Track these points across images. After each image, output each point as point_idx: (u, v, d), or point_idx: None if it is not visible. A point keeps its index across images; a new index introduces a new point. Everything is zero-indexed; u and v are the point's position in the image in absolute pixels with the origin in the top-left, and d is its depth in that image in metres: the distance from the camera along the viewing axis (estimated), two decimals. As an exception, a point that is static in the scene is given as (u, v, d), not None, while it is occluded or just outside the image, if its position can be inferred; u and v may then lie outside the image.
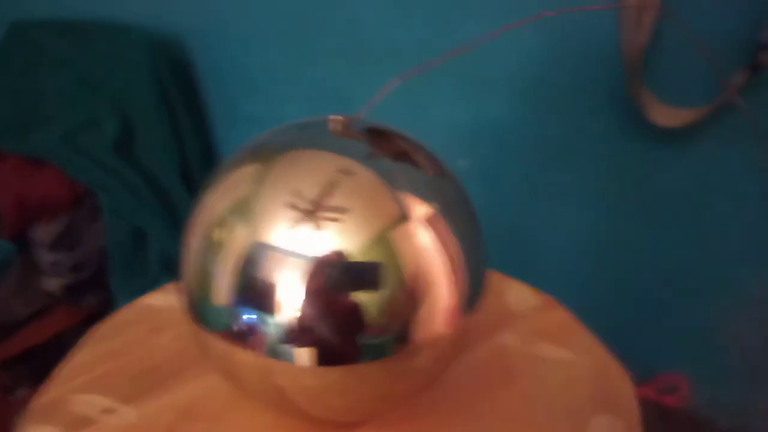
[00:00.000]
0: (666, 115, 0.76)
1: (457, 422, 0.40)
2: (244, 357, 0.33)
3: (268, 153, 0.35)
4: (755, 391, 0.83)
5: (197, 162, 1.34)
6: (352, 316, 0.32)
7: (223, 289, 0.33)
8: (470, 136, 0.94)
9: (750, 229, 0.77)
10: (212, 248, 0.33)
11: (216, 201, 0.35)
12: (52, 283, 1.32)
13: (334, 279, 0.32)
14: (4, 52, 1.37)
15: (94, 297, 1.36)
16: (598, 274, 0.92)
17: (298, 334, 0.32)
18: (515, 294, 0.52)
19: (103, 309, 1.33)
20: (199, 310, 0.34)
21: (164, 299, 0.50)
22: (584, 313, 0.51)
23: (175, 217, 1.29)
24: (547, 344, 0.46)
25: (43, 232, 1.29)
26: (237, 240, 0.33)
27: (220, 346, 0.33)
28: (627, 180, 0.84)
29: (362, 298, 0.32)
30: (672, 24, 0.73)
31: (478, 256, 0.36)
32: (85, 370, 0.43)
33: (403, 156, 0.36)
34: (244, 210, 0.33)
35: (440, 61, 0.35)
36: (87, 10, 1.32)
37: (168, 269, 1.30)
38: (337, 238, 0.32)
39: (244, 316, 0.32)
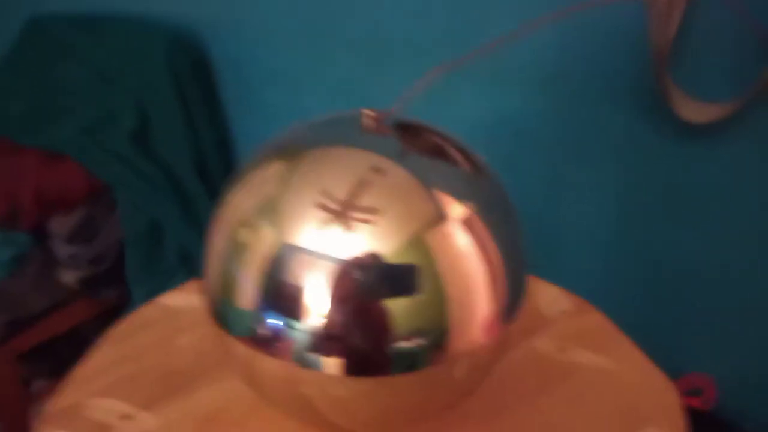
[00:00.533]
0: (695, 111, 0.73)
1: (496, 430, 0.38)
2: (268, 364, 0.31)
3: (295, 150, 0.33)
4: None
5: (214, 155, 1.34)
6: (385, 323, 0.30)
7: (248, 292, 0.31)
8: (488, 131, 0.92)
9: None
10: (237, 249, 0.32)
11: (241, 200, 0.33)
12: (70, 276, 1.32)
13: (365, 283, 0.30)
14: (22, 46, 1.37)
15: (112, 290, 1.36)
16: (620, 272, 0.90)
17: (327, 341, 0.30)
18: (546, 296, 0.50)
19: (121, 302, 1.33)
20: (223, 314, 0.32)
21: (184, 299, 0.48)
22: (606, 310, 0.49)
23: (191, 211, 1.28)
24: (584, 350, 0.44)
25: (61, 225, 1.29)
26: (263, 241, 0.31)
27: (243, 351, 0.32)
28: (649, 176, 0.82)
29: (395, 304, 0.30)
30: (701, 15, 0.70)
31: (518, 260, 0.34)
32: (102, 374, 0.41)
33: (437, 153, 0.34)
34: (270, 210, 0.31)
35: (480, 53, 0.33)
36: (104, 4, 1.32)
37: (185, 262, 1.29)
38: (368, 240, 0.30)
39: (270, 322, 0.31)
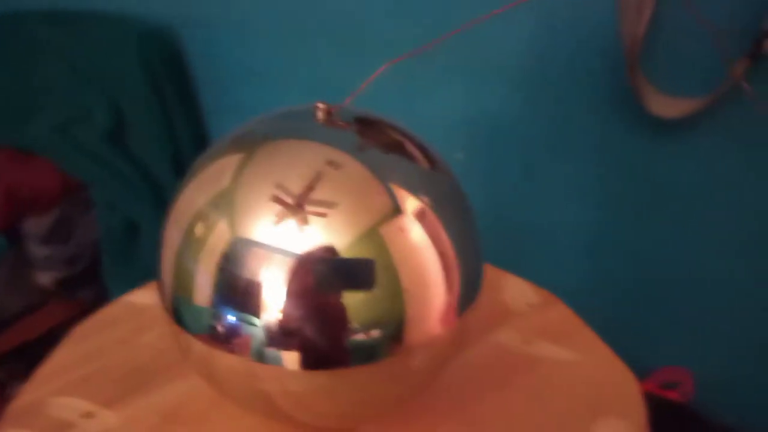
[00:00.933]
0: (664, 106, 0.74)
1: (455, 425, 0.38)
2: (226, 360, 0.31)
3: (250, 143, 0.33)
4: (759, 386, 0.82)
5: (190, 153, 1.32)
6: (342, 316, 0.30)
7: (203, 288, 0.31)
8: (465, 127, 0.92)
9: (751, 222, 0.75)
10: (191, 244, 0.31)
11: (195, 193, 0.32)
12: (45, 277, 1.31)
13: (321, 277, 0.30)
14: (-6, 42, 1.34)
15: (89, 291, 1.35)
16: (597, 267, 0.90)
17: (284, 336, 0.30)
18: (513, 290, 0.50)
19: (98, 303, 1.31)
20: (179, 311, 0.32)
21: (149, 296, 0.48)
22: (583, 306, 0.49)
23: (167, 209, 1.27)
24: (548, 343, 0.44)
25: (35, 226, 1.28)
26: (218, 235, 0.31)
27: (201, 348, 0.31)
28: (626, 172, 0.82)
29: (351, 297, 0.30)
30: (670, 12, 0.71)
31: (474, 252, 0.34)
32: (64, 372, 0.41)
33: (394, 147, 0.34)
34: (224, 203, 0.31)
35: (430, 46, 0.33)
36: (77, 0, 1.30)
37: (162, 262, 1.27)
38: (324, 233, 0.30)
39: (227, 318, 0.30)
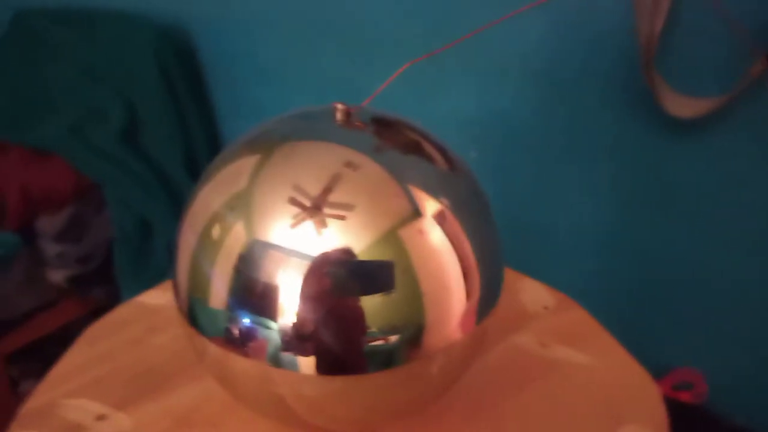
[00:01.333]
0: (680, 105, 0.73)
1: (473, 428, 0.38)
2: (242, 364, 0.30)
3: (267, 144, 0.33)
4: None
5: (203, 152, 1.33)
6: (359, 321, 0.29)
7: (219, 291, 0.30)
8: (478, 127, 0.92)
9: (764, 222, 0.74)
10: (208, 246, 0.31)
11: (212, 195, 0.32)
12: (58, 276, 1.31)
13: (339, 281, 0.29)
14: (8, 42, 1.36)
15: (101, 289, 1.36)
16: (611, 268, 0.90)
17: (301, 340, 0.29)
18: (529, 293, 0.49)
19: (110, 301, 1.32)
20: (195, 313, 0.32)
21: (162, 297, 0.48)
22: (596, 307, 0.49)
23: (180, 208, 1.27)
24: (565, 347, 0.43)
25: (49, 224, 1.28)
26: (234, 238, 0.30)
27: (216, 351, 0.31)
28: (640, 172, 0.81)
29: (369, 301, 0.29)
30: (687, 11, 0.70)
31: (494, 255, 0.34)
32: (77, 373, 0.41)
33: (412, 148, 0.33)
34: (241, 205, 0.31)
35: (448, 46, 0.32)
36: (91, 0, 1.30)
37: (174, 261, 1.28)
38: (342, 236, 0.29)
39: (243, 321, 0.30)
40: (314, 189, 0.30)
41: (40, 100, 1.31)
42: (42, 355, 1.56)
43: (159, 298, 0.48)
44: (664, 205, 0.81)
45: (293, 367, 0.30)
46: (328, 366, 0.30)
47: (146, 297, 0.48)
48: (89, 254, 1.31)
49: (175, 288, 0.33)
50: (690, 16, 0.70)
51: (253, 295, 0.30)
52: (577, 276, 0.90)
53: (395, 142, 0.33)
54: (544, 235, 0.94)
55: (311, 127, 0.34)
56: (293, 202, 0.30)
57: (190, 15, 1.25)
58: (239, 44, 1.21)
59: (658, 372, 0.84)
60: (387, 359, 0.30)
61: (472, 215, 0.32)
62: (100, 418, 0.37)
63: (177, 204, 1.26)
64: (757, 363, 0.81)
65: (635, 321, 0.88)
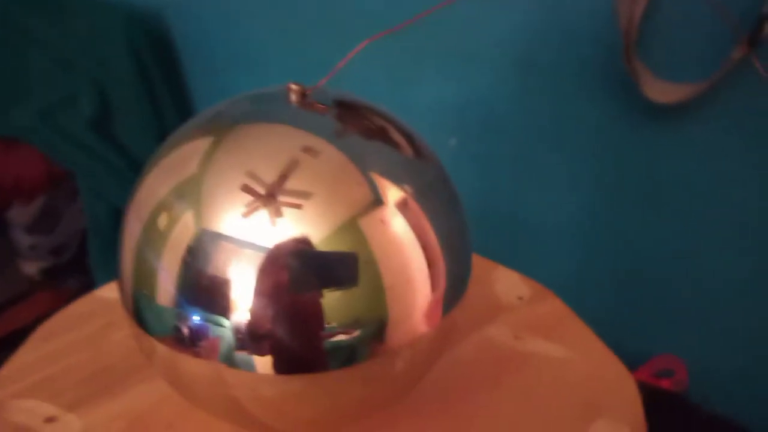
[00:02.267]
0: (661, 91, 0.72)
1: (443, 425, 0.36)
2: (193, 365, 0.29)
3: (219, 127, 0.30)
4: (752, 376, 0.81)
5: (178, 141, 1.30)
6: (318, 316, 0.27)
7: (167, 286, 0.28)
8: (457, 115, 0.90)
9: (748, 212, 0.74)
10: (154, 238, 0.29)
11: (158, 182, 0.30)
12: (32, 267, 1.29)
13: (296, 274, 0.27)
14: (-26, 26, 1.31)
15: (75, 281, 1.33)
16: (591, 257, 0.89)
17: (255, 338, 0.28)
18: (504, 283, 0.48)
19: (85, 292, 1.29)
20: (141, 311, 0.30)
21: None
22: (577, 296, 0.48)
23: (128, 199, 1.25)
24: (540, 339, 0.42)
25: (20, 215, 1.26)
26: (182, 228, 0.28)
27: (165, 352, 0.29)
28: (620, 160, 0.81)
29: (328, 295, 0.27)
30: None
31: (462, 246, 0.32)
32: (28, 373, 0.39)
33: (375, 133, 0.31)
34: (190, 193, 0.28)
35: (411, 21, 0.30)
36: (58, -19, 1.26)
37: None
38: (299, 226, 0.27)
39: (193, 318, 0.28)
40: (269, 175, 0.28)
41: (10, 88, 1.27)
42: (15, 349, 1.53)
43: (116, 292, 0.45)
44: (646, 195, 0.80)
45: (248, 366, 0.28)
46: (286, 365, 0.28)
47: (105, 290, 0.46)
48: (63, 245, 1.29)
49: (120, 284, 0.31)
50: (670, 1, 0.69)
51: (203, 290, 0.28)
52: (558, 267, 0.90)
53: (358, 126, 0.31)
54: (523, 226, 0.93)
55: (266, 110, 0.32)
56: (246, 189, 0.28)
57: (165, 1, 1.23)
58: (215, 29, 1.19)
59: (638, 359, 0.84)
60: (348, 356, 0.28)
61: (438, 203, 0.31)
62: (50, 420, 0.35)
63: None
64: (738, 352, 0.81)
65: (617, 312, 0.88)
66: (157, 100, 1.26)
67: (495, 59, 0.84)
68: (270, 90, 0.33)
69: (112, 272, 1.20)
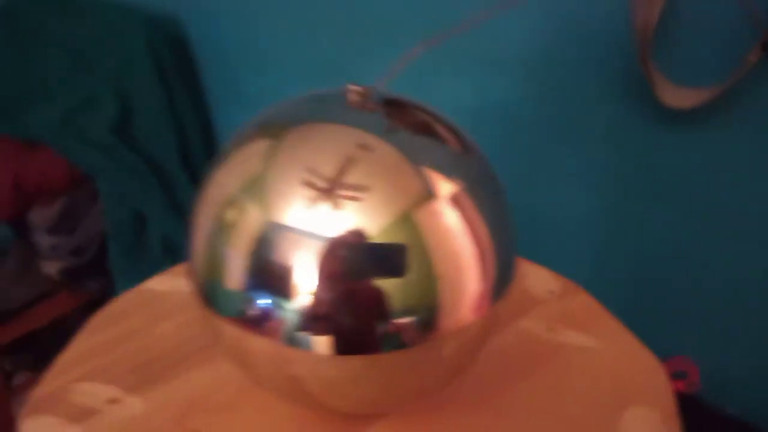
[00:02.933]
0: (676, 96, 0.74)
1: (482, 413, 0.38)
2: (258, 344, 0.31)
3: (279, 127, 0.33)
4: (765, 377, 0.82)
5: (197, 142, 1.32)
6: (374, 302, 0.30)
7: (235, 272, 0.30)
8: (473, 117, 0.92)
9: (763, 212, 0.75)
10: (223, 229, 0.31)
11: (226, 178, 0.32)
12: (52, 268, 1.30)
13: (354, 262, 0.29)
14: (-2, 31, 1.34)
15: (95, 281, 1.35)
16: (606, 257, 0.90)
17: (316, 320, 0.30)
18: (533, 278, 0.50)
19: (104, 293, 1.31)
20: (211, 295, 0.32)
21: (167, 284, 0.48)
22: (591, 294, 0.49)
23: (174, 200, 1.27)
24: (572, 331, 0.44)
25: (41, 216, 1.27)
26: (249, 220, 0.30)
27: (232, 332, 0.31)
28: (636, 162, 0.82)
29: (384, 282, 0.29)
30: (684, 1, 0.70)
31: (508, 238, 0.34)
32: (86, 359, 0.41)
33: (424, 130, 0.33)
34: (256, 188, 0.31)
35: (462, 29, 0.32)
36: (83, -12, 1.28)
37: (169, 252, 1.28)
38: (356, 217, 0.29)
39: (259, 302, 0.30)
40: (328, 171, 0.30)
41: (32, 91, 1.29)
42: (35, 348, 1.56)
43: (162, 284, 0.47)
44: (661, 194, 0.81)
45: (308, 346, 0.30)
46: (343, 346, 0.30)
47: (150, 284, 0.48)
48: (83, 246, 1.31)
49: (191, 270, 0.33)
50: (687, 4, 0.71)
51: (268, 276, 0.30)
52: (573, 265, 0.91)
53: (408, 123, 0.33)
54: (539, 225, 0.94)
55: (324, 110, 0.34)
56: (308, 184, 0.30)
57: (182, 4, 1.24)
58: (233, 33, 1.21)
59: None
60: (400, 340, 0.30)
61: (486, 197, 0.33)
62: (113, 401, 0.37)
63: (170, 195, 1.25)
64: (751, 353, 0.82)
65: (630, 308, 0.88)
66: (176, 103, 1.28)
67: (512, 62, 0.86)
68: (328, 91, 0.35)
69: (131, 272, 1.22)
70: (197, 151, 1.29)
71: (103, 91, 1.25)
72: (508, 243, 0.34)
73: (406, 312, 0.30)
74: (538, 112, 0.87)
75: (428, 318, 0.30)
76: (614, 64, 0.78)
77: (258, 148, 0.32)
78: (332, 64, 1.07)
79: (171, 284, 0.47)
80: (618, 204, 0.85)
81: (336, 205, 0.29)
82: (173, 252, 1.28)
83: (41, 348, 1.49)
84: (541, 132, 0.88)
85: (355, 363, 0.31)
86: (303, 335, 0.30)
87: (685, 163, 0.78)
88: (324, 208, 0.29)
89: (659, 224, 0.83)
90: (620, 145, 0.82)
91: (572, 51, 0.80)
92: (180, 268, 0.51)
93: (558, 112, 0.86)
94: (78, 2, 1.26)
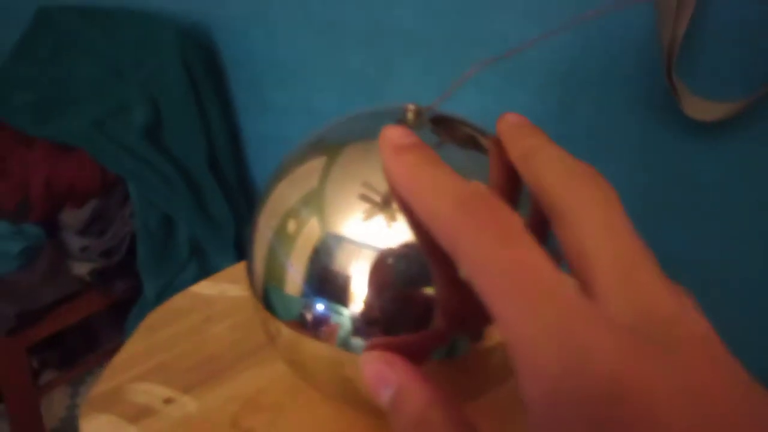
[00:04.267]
0: (703, 110, 0.75)
1: (516, 423, 0.40)
2: (314, 347, 0.33)
3: (335, 143, 0.35)
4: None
5: (225, 149, 1.34)
6: (426, 311, 0.31)
7: (295, 279, 0.32)
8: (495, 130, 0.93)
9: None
10: (284, 239, 0.33)
11: (285, 192, 0.34)
12: (82, 269, 1.33)
13: (406, 272, 0.31)
14: (31, 38, 1.38)
15: (123, 282, 1.38)
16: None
17: (369, 327, 0.31)
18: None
19: (132, 294, 1.34)
20: (270, 299, 0.34)
21: (216, 288, 0.50)
22: None
23: (202, 204, 1.29)
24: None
25: (73, 217, 1.30)
26: (309, 231, 0.32)
27: (289, 335, 0.33)
28: (660, 174, 0.83)
29: (433, 292, 0.31)
30: (710, 14, 0.71)
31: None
32: (141, 360, 0.43)
33: (470, 143, 0.35)
34: (314, 202, 0.33)
35: (519, 50, 0.34)
36: (116, -3, 1.32)
37: (196, 256, 1.30)
38: (409, 230, 0.31)
39: (316, 307, 0.32)
40: (383, 186, 0.32)
41: (65, 96, 1.33)
42: (62, 347, 1.59)
43: (211, 288, 0.50)
44: (686, 208, 0.82)
45: (361, 350, 0.32)
46: (394, 351, 0.32)
47: (200, 287, 0.50)
48: (112, 248, 1.33)
49: (251, 276, 0.35)
50: (714, 18, 0.72)
51: (325, 283, 0.32)
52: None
53: (455, 138, 0.35)
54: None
55: (375, 127, 0.36)
56: (364, 198, 0.32)
57: (213, 14, 1.27)
58: (262, 44, 1.23)
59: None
60: (450, 349, 0.32)
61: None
62: (168, 401, 0.39)
63: (198, 200, 1.28)
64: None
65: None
66: (205, 112, 1.30)
67: (537, 74, 0.87)
68: (379, 109, 0.37)
69: (159, 275, 1.25)
70: (225, 157, 1.32)
71: (136, 97, 1.28)
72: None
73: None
74: (563, 127, 0.89)
75: (478, 328, 0.32)
76: (640, 77, 0.79)
77: (316, 163, 0.34)
78: (357, 76, 1.09)
79: (216, 289, 0.50)
80: (645, 215, 0.86)
81: (391, 218, 0.31)
82: (200, 255, 1.30)
83: (68, 348, 1.52)
84: (566, 146, 0.89)
85: (405, 368, 0.32)
86: (356, 340, 0.32)
87: (710, 176, 0.78)
88: (379, 220, 0.31)
89: (684, 235, 0.83)
90: (646, 158, 0.83)
91: (598, 65, 0.82)
92: (222, 274, 0.53)
93: (582, 124, 0.87)
94: (113, 12, 1.30)
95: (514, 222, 0.18)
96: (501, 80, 0.91)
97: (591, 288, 0.19)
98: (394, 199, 0.31)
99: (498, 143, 0.30)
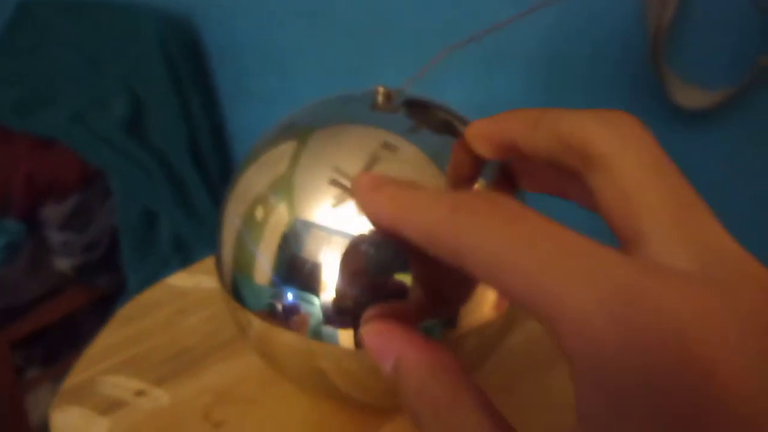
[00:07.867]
0: (689, 97, 0.74)
1: (501, 407, 0.39)
2: (284, 337, 0.32)
3: (305, 128, 0.34)
4: None
5: (208, 142, 1.33)
6: (398, 298, 0.31)
7: (264, 268, 0.31)
8: (482, 116, 0.93)
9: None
10: (252, 227, 0.32)
11: (254, 178, 0.33)
12: (64, 264, 1.32)
13: (377, 259, 0.30)
14: (12, 31, 1.36)
15: (106, 277, 1.36)
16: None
17: (340, 315, 0.31)
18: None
19: (115, 289, 1.33)
20: (239, 289, 0.33)
21: (190, 279, 0.49)
22: None
23: (185, 197, 1.28)
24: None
25: (54, 212, 1.29)
26: (278, 218, 0.31)
27: (260, 325, 0.32)
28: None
29: (405, 279, 0.30)
30: (698, 2, 0.71)
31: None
32: (113, 352, 0.42)
33: (446, 129, 0.34)
34: (284, 187, 0.32)
35: (488, 32, 0.33)
36: (95, -13, 1.30)
37: (179, 249, 1.29)
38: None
39: (286, 296, 0.31)
40: (354, 170, 0.31)
41: (45, 89, 1.31)
42: (46, 343, 1.57)
43: (187, 280, 0.49)
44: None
45: (333, 340, 0.31)
46: (365, 340, 0.31)
47: (175, 279, 0.49)
48: (94, 242, 1.32)
49: (219, 266, 0.34)
50: (701, 4, 0.71)
51: (295, 271, 0.31)
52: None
53: (429, 123, 0.34)
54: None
55: (347, 111, 0.35)
56: (334, 183, 0.31)
57: (194, 4, 1.25)
58: (245, 33, 1.22)
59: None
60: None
61: (507, 195, 0.33)
62: (140, 393, 0.38)
63: (181, 193, 1.26)
64: None
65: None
66: (187, 103, 1.29)
67: (523, 61, 0.87)
68: (350, 93, 0.36)
69: (142, 269, 1.24)
70: (208, 150, 1.30)
71: (116, 89, 1.26)
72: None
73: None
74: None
75: (450, 315, 0.31)
76: (627, 64, 0.79)
77: (285, 148, 0.33)
78: (344, 65, 1.08)
79: (192, 281, 0.49)
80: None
81: (361, 204, 0.30)
82: (183, 249, 1.29)
83: (52, 343, 1.50)
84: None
85: (377, 357, 0.32)
86: (328, 329, 0.31)
87: (699, 164, 0.78)
88: (350, 206, 0.30)
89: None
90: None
91: (584, 50, 0.81)
92: (198, 266, 0.52)
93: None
94: (90, 3, 1.28)
95: (514, 202, 0.17)
96: (487, 70, 0.90)
97: (637, 232, 0.18)
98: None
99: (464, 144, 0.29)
